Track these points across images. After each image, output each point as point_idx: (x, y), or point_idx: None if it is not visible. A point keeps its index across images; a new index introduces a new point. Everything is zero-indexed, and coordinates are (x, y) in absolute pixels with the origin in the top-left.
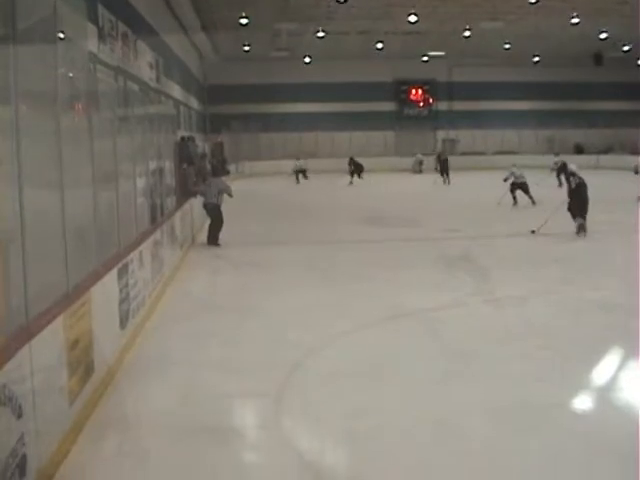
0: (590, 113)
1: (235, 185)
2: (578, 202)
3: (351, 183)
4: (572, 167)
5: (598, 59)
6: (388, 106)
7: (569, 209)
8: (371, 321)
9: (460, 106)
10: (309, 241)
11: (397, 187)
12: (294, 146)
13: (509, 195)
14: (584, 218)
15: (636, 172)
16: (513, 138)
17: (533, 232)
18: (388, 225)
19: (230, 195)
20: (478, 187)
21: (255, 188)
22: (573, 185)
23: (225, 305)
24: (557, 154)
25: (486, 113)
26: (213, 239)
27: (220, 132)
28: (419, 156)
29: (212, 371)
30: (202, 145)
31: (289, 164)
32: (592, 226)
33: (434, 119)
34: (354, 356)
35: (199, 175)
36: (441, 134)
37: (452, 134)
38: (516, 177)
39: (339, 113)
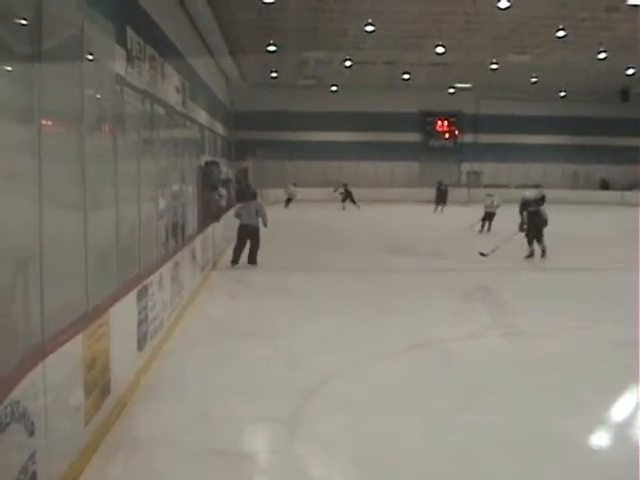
0: (615, 149)
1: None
2: (534, 230)
3: (344, 209)
4: (527, 194)
5: (625, 95)
6: (413, 137)
7: (526, 235)
8: (389, 350)
9: (485, 139)
10: (332, 269)
11: (421, 218)
12: (317, 175)
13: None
14: (539, 242)
15: None
16: (537, 172)
17: (483, 255)
18: (412, 255)
19: (265, 224)
20: (501, 219)
21: (278, 215)
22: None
23: (243, 329)
24: (537, 186)
25: (511, 146)
26: (253, 259)
27: (245, 158)
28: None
29: (227, 395)
30: (226, 171)
31: (315, 192)
32: (613, 263)
33: (459, 151)
34: (370, 384)
35: (229, 199)
36: (466, 166)
37: (476, 166)
38: (487, 206)
39: (364, 142)
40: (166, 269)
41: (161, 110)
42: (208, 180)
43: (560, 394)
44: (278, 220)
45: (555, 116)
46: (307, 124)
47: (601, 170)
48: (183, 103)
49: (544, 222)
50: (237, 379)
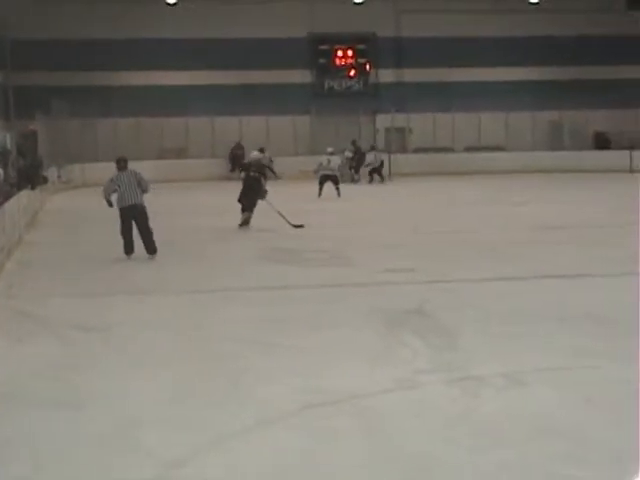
0: (620, 85)
1: (57, 202)
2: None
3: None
4: (253, 155)
5: (633, 1)
6: (300, 76)
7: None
8: (274, 414)
9: (414, 76)
10: (179, 289)
11: (318, 203)
12: (152, 139)
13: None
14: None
15: None
16: (496, 126)
17: (298, 227)
18: (303, 263)
19: (147, 190)
20: (440, 203)
21: (90, 208)
22: None
23: (39, 394)
24: (374, 147)
25: (454, 87)
26: (151, 247)
27: (32, 116)
28: (347, 153)
29: None
30: (2, 137)
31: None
32: (613, 265)
33: (373, 96)
34: (247, 469)
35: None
36: (383, 120)
37: (401, 119)
38: (324, 168)
39: (223, 87)
40: None
41: None
42: None
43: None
44: (87, 215)
45: (522, 36)
46: (132, 60)
47: (596, 119)
48: None
49: (263, 193)
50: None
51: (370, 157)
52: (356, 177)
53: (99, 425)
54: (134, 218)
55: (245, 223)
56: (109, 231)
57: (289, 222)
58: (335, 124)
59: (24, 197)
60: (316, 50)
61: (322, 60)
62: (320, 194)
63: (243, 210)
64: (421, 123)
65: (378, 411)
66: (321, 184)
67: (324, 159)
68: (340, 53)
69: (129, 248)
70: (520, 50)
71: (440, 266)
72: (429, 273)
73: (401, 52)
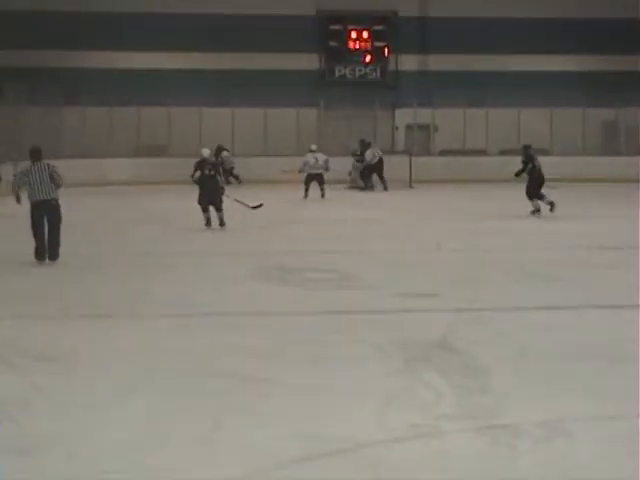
0: None
1: (12, 205)
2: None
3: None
4: (203, 152)
5: None
6: (306, 61)
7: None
8: (270, 465)
9: (441, 63)
10: (150, 313)
11: (320, 213)
12: (127, 132)
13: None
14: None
15: None
16: (538, 125)
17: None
18: (303, 284)
19: (59, 184)
20: (468, 216)
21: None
22: None
23: None
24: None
25: (489, 78)
26: (54, 251)
27: None
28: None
29: None
30: None
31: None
32: None
33: (391, 87)
34: None
35: None
36: (404, 115)
37: (425, 115)
38: (311, 167)
39: (215, 73)
40: None
41: None
42: None
43: None
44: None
45: (573, 18)
46: (105, 37)
47: None
48: None
49: (220, 190)
50: None
51: (369, 155)
52: (369, 183)
53: (52, 477)
54: (45, 215)
55: (207, 224)
56: (85, 242)
57: (247, 205)
58: (346, 119)
59: None
60: (326, 31)
61: (333, 43)
62: (306, 195)
63: (204, 211)
64: (448, 120)
65: (391, 464)
66: (307, 184)
67: (310, 157)
68: (354, 35)
69: (41, 252)
70: (569, 35)
71: (467, 291)
72: (454, 299)
73: (426, 35)
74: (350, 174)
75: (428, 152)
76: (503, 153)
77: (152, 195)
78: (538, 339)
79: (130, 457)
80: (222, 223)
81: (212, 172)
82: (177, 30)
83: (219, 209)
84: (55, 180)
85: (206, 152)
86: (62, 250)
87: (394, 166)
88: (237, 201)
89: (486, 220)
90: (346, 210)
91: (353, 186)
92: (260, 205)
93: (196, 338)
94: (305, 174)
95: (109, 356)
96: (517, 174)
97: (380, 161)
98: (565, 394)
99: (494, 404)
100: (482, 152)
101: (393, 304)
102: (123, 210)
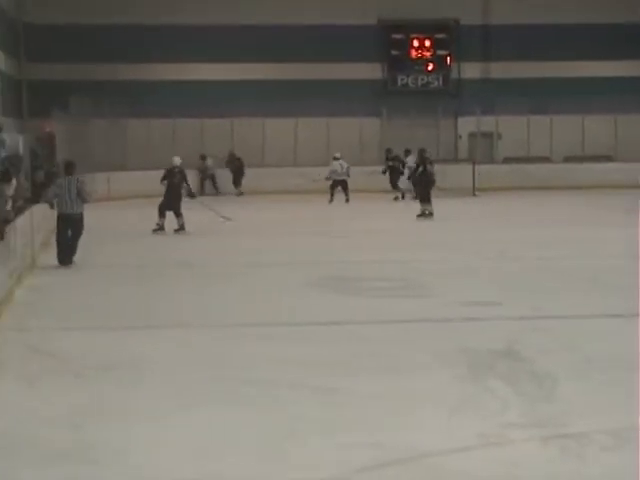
0: None
1: None
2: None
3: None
4: (174, 160)
5: None
6: (369, 71)
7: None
8: (336, 474)
9: (504, 71)
10: (214, 323)
11: (383, 222)
12: (191, 143)
13: None
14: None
15: None
16: (603, 131)
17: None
18: (365, 293)
19: (86, 199)
20: (532, 223)
21: (116, 225)
22: None
23: (40, 450)
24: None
25: (552, 84)
26: (68, 256)
27: (49, 115)
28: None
29: None
30: (14, 140)
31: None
32: None
33: (454, 95)
34: None
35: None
36: (467, 123)
37: (488, 123)
38: (339, 174)
39: (275, 83)
40: None
41: None
42: None
43: None
44: (110, 233)
45: (634, 23)
46: (168, 50)
47: None
48: None
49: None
50: None
51: (411, 161)
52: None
53: None
54: (69, 227)
55: (160, 229)
56: (138, 252)
57: (219, 215)
58: (409, 128)
59: (38, 212)
60: (388, 40)
61: (395, 52)
62: (331, 200)
63: (161, 216)
64: (512, 127)
65: (456, 473)
66: (332, 189)
67: (337, 165)
68: (416, 43)
69: (62, 257)
70: (633, 40)
71: (532, 299)
72: (519, 307)
73: (489, 42)
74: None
75: (491, 160)
76: (567, 160)
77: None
78: (603, 347)
79: (197, 466)
80: (182, 228)
81: (180, 180)
82: (240, 42)
83: (178, 214)
84: (82, 195)
85: (177, 160)
86: (120, 261)
87: (457, 174)
88: (210, 209)
89: (549, 227)
90: (408, 218)
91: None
92: (228, 218)
93: (261, 348)
94: (331, 181)
95: (172, 366)
96: (409, 177)
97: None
98: (632, 402)
99: (561, 412)
100: (546, 159)
101: (457, 312)
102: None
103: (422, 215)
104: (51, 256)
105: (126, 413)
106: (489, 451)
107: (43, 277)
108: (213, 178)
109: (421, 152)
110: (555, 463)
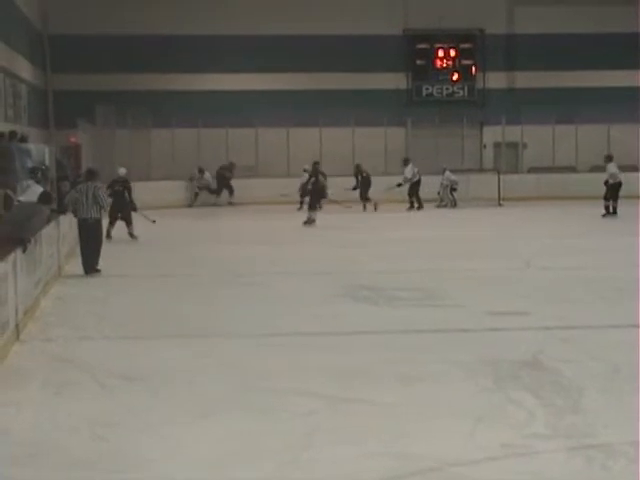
0: None
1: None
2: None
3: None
4: (120, 171)
5: None
6: (393, 81)
7: None
8: None
9: (529, 81)
10: (239, 332)
11: (406, 231)
12: (215, 153)
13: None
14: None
15: None
16: (630, 141)
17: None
18: (390, 302)
19: (104, 207)
20: (558, 233)
21: (141, 234)
22: None
23: (67, 458)
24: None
25: (578, 94)
26: (91, 266)
27: (74, 126)
28: (448, 174)
29: None
30: (40, 150)
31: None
32: None
33: (479, 105)
34: None
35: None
36: (492, 133)
37: (513, 133)
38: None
39: (302, 93)
40: None
41: None
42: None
43: None
44: (137, 243)
45: None
46: (192, 60)
47: None
48: None
49: (130, 205)
50: None
51: (409, 172)
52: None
53: None
54: (88, 233)
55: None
56: (165, 262)
57: (148, 218)
58: (434, 137)
59: (65, 222)
60: (413, 50)
61: (419, 62)
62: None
63: (111, 224)
64: (537, 137)
65: None
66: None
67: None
68: (441, 53)
69: (87, 266)
70: None
71: (558, 309)
72: (545, 317)
73: (514, 52)
74: (439, 193)
75: (517, 169)
76: (593, 170)
77: (241, 215)
78: (629, 357)
79: (218, 474)
80: (132, 236)
81: (121, 189)
82: (265, 51)
83: (129, 223)
84: (98, 202)
85: (121, 171)
86: (145, 271)
87: (482, 184)
88: (143, 214)
89: (575, 237)
90: (434, 228)
91: (441, 205)
92: (153, 221)
93: (281, 357)
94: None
95: (194, 375)
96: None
97: (418, 182)
98: None
99: (587, 423)
100: (572, 169)
101: (482, 322)
102: (213, 230)
103: (307, 222)
104: (77, 266)
105: (149, 422)
106: (514, 462)
107: (69, 287)
108: (209, 188)
109: (315, 164)
110: (581, 474)
